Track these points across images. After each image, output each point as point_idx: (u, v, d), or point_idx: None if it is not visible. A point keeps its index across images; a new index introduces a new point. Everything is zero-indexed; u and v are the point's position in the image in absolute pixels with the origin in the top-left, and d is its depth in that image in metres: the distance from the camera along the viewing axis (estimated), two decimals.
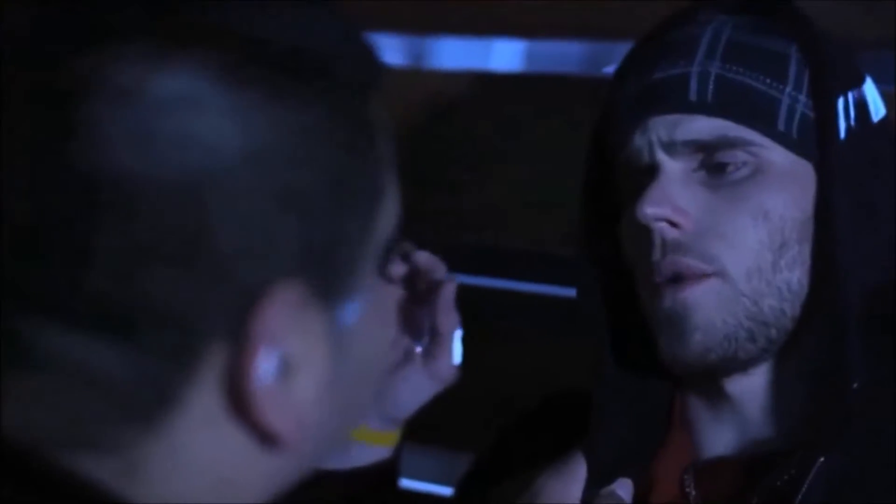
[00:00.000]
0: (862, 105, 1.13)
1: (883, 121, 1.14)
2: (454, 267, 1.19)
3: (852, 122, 1.11)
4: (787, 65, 1.12)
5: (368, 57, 0.68)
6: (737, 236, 1.09)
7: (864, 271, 1.09)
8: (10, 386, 0.62)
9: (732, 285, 1.09)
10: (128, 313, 0.61)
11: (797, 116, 1.11)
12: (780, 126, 1.10)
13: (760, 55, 1.12)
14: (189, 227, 0.61)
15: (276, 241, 0.63)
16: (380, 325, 0.70)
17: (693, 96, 1.10)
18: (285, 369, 0.64)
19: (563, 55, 1.86)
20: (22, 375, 0.62)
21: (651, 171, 1.11)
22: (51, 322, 0.61)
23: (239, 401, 0.63)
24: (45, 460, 0.62)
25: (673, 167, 1.10)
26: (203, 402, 0.63)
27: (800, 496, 1.06)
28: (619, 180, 1.16)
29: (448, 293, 1.14)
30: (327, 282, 0.65)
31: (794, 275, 1.10)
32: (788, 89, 1.11)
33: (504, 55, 1.88)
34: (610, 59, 1.72)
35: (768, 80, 1.11)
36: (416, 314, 1.16)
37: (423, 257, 1.16)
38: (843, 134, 1.10)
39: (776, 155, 1.10)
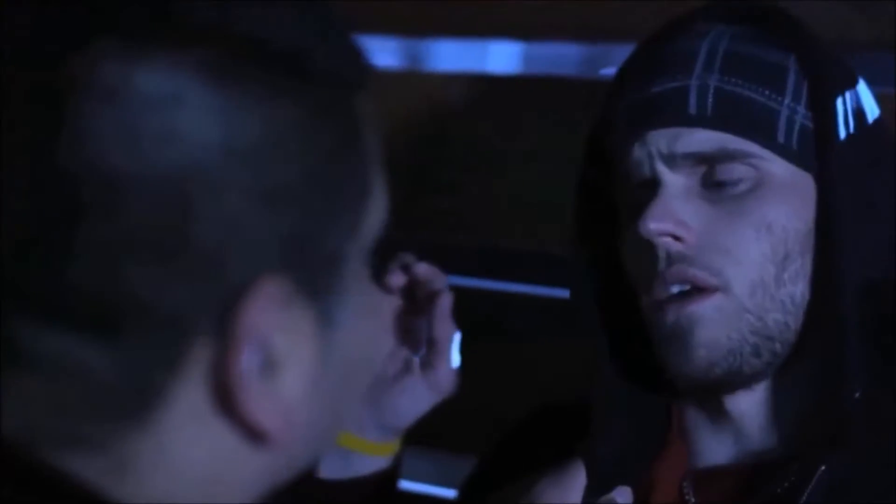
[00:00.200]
0: (858, 106, 1.13)
1: (878, 121, 1.14)
2: (453, 268, 1.19)
3: (850, 123, 1.11)
4: (786, 76, 1.11)
5: (354, 55, 0.68)
6: (740, 250, 1.09)
7: (865, 274, 1.09)
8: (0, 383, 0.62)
9: (736, 301, 1.09)
10: (113, 310, 0.61)
11: (796, 128, 1.10)
12: (780, 138, 1.10)
13: (759, 67, 1.11)
14: (173, 223, 0.61)
15: (260, 237, 0.63)
16: (369, 324, 0.70)
17: (692, 110, 1.10)
18: (271, 365, 0.64)
19: (561, 57, 1.86)
20: (8, 373, 0.62)
21: (651, 185, 1.11)
22: (36, 320, 0.61)
23: (225, 397, 0.63)
24: (31, 458, 0.62)
25: (674, 181, 1.10)
26: (189, 399, 0.63)
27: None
28: (617, 192, 1.15)
29: (445, 302, 1.14)
30: (313, 278, 0.65)
31: (798, 288, 1.10)
32: (787, 101, 1.11)
33: (502, 57, 1.88)
34: (608, 60, 1.72)
35: (767, 92, 1.10)
36: (414, 325, 1.16)
37: (423, 268, 1.16)
38: (842, 135, 1.10)
39: (776, 167, 1.10)
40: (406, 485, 1.23)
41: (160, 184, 0.61)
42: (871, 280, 1.09)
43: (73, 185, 0.60)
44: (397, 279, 1.16)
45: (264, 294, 0.63)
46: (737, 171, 1.10)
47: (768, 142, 1.10)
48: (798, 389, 1.10)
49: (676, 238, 1.09)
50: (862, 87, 1.14)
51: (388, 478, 1.17)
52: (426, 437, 1.20)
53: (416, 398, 1.16)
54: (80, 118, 0.61)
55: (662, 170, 1.10)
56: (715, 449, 1.15)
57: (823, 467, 1.07)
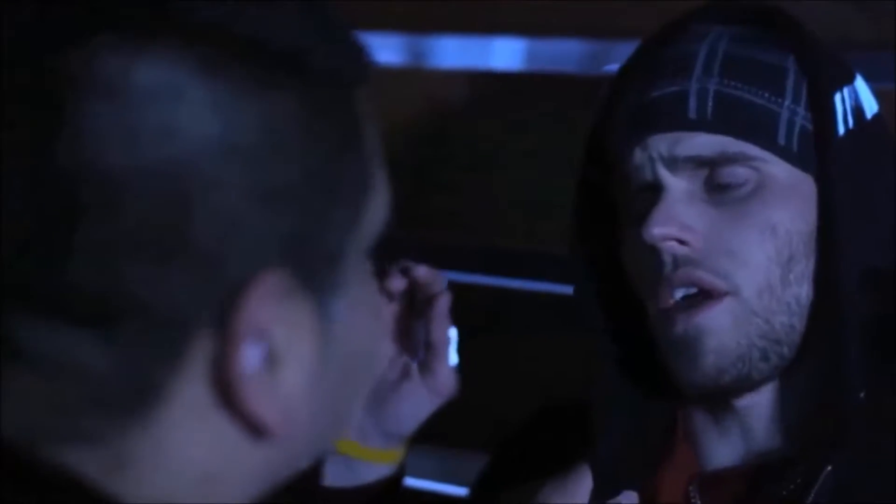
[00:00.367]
0: (856, 102, 1.13)
1: (877, 116, 1.14)
2: (453, 267, 1.19)
3: (849, 119, 1.11)
4: (785, 78, 1.11)
5: (355, 52, 0.68)
6: (746, 252, 1.09)
7: (866, 272, 1.09)
8: None
9: (745, 305, 1.08)
10: (112, 307, 0.61)
11: (797, 129, 1.10)
12: (781, 140, 1.10)
13: (758, 69, 1.11)
14: (172, 219, 0.61)
15: (259, 233, 0.63)
16: (369, 319, 0.70)
17: (692, 114, 1.10)
18: (272, 359, 0.64)
19: (565, 53, 1.86)
20: (10, 368, 0.62)
21: (653, 189, 1.10)
22: (35, 317, 0.61)
23: (226, 392, 0.63)
24: (31, 455, 0.62)
25: (676, 185, 1.10)
26: (190, 394, 0.63)
27: None
28: (618, 195, 1.15)
29: (443, 305, 1.14)
30: (313, 273, 0.65)
31: (803, 289, 1.10)
32: (787, 103, 1.11)
33: (504, 54, 1.88)
34: (610, 57, 1.72)
35: (767, 95, 1.10)
36: (412, 329, 1.15)
37: (423, 272, 1.15)
38: (841, 130, 1.10)
39: (778, 169, 1.10)
40: (405, 481, 1.23)
41: (159, 180, 0.61)
42: (872, 277, 1.09)
43: (72, 182, 0.60)
44: (398, 283, 1.15)
45: (264, 288, 0.63)
46: (738, 173, 1.09)
47: (769, 144, 1.10)
48: (803, 390, 1.10)
49: (681, 242, 1.09)
50: (860, 83, 1.14)
51: (392, 485, 1.17)
52: (424, 433, 1.20)
53: (418, 404, 1.15)
54: (79, 114, 0.61)
55: (664, 174, 1.10)
56: (721, 451, 1.15)
57: (829, 468, 1.06)
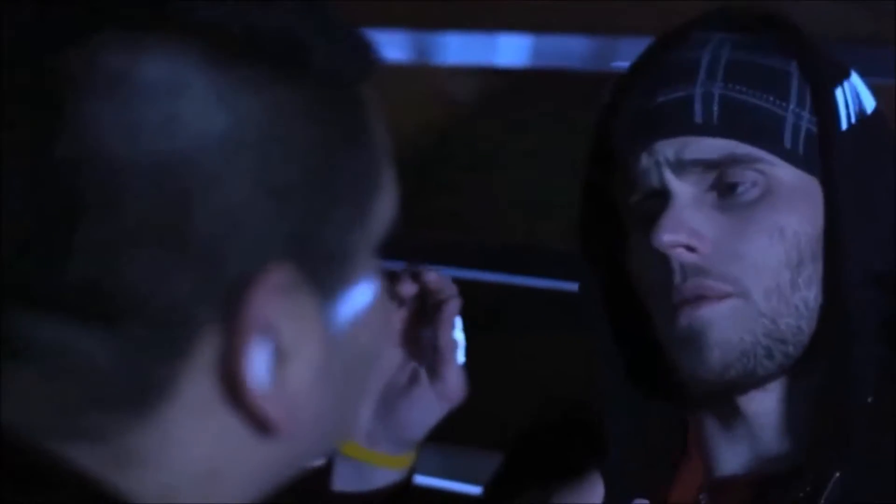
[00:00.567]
0: (856, 96, 1.13)
1: (877, 112, 1.14)
2: (454, 264, 1.19)
3: (852, 114, 1.11)
4: (789, 82, 1.11)
5: (357, 49, 0.68)
6: (755, 257, 1.08)
7: (871, 270, 1.09)
8: (1, 377, 0.62)
9: (753, 305, 1.08)
10: (116, 301, 0.61)
11: (802, 133, 1.10)
12: (787, 143, 1.10)
13: (762, 74, 1.11)
14: (174, 213, 0.61)
15: (262, 228, 0.63)
16: (376, 319, 0.70)
17: (698, 118, 1.10)
18: (278, 355, 0.64)
19: (568, 51, 1.85)
20: (12, 366, 0.62)
21: (660, 195, 1.10)
22: (37, 313, 0.61)
23: (232, 387, 0.63)
24: (36, 450, 0.62)
25: (684, 191, 1.09)
26: (196, 390, 0.63)
27: None
28: (619, 198, 1.15)
29: (451, 310, 1.13)
30: (319, 268, 0.65)
31: (812, 292, 1.10)
32: (792, 106, 1.11)
33: (510, 50, 1.88)
34: (615, 54, 1.72)
35: (772, 98, 1.10)
36: (420, 334, 1.15)
37: (433, 277, 1.15)
38: (843, 125, 1.10)
39: (784, 172, 1.10)
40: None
41: (160, 175, 0.61)
42: (877, 276, 1.09)
43: (72, 181, 0.60)
44: (408, 288, 1.15)
45: (270, 283, 0.63)
46: (745, 177, 1.09)
47: (775, 147, 1.10)
48: (811, 393, 1.10)
49: (690, 249, 1.08)
50: (856, 79, 1.14)
51: (401, 490, 1.17)
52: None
53: (427, 409, 1.14)
54: (79, 113, 0.60)
55: (671, 178, 1.09)
56: (731, 459, 1.14)
57: (838, 474, 1.06)
